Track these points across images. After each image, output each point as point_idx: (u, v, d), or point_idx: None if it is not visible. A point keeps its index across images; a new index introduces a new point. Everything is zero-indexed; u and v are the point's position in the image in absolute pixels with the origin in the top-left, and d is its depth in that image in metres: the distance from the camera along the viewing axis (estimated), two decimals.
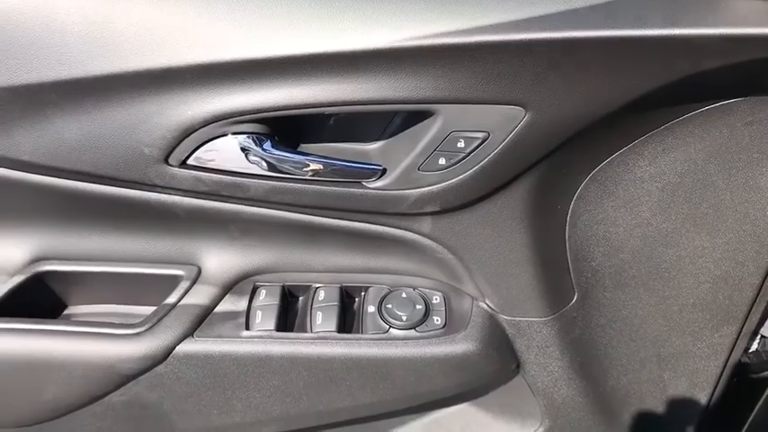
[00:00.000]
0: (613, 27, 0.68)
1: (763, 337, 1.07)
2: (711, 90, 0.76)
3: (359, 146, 0.83)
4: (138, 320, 0.88)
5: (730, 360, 1.04)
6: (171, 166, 0.77)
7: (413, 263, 0.94)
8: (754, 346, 1.08)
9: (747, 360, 1.08)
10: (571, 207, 0.87)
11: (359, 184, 0.80)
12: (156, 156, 0.76)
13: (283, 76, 0.71)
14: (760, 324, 1.03)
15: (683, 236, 0.89)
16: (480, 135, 0.75)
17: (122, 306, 0.96)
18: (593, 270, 0.93)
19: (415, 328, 0.91)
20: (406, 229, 0.87)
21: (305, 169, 0.78)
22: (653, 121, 0.80)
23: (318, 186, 0.80)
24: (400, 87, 0.71)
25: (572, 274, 0.94)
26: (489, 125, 0.74)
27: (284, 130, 0.79)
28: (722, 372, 1.05)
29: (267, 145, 0.77)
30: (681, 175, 0.84)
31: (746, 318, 0.98)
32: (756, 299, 0.95)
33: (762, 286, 0.94)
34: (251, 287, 0.93)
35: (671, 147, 0.82)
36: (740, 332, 1.00)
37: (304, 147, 0.82)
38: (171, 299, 0.89)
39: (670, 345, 1.01)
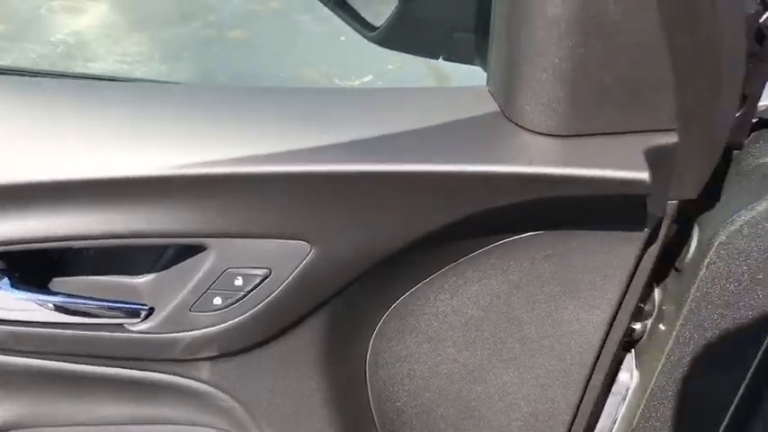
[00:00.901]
0: (400, 161, 0.63)
1: None
2: (508, 224, 0.73)
3: (124, 279, 0.72)
4: None
5: None
6: None
7: (192, 412, 0.82)
8: None
9: None
10: (371, 344, 0.80)
11: (121, 327, 0.69)
12: None
13: (21, 205, 0.60)
14: None
15: (491, 372, 0.84)
16: (261, 272, 0.67)
17: None
18: (399, 411, 0.86)
19: None
20: (180, 376, 0.75)
21: (52, 312, 0.66)
22: (450, 253, 0.75)
23: (70, 331, 0.68)
24: (162, 220, 0.62)
25: (375, 417, 0.86)
26: (270, 261, 0.67)
27: (27, 264, 0.67)
28: None
29: (4, 283, 0.64)
30: (484, 309, 0.80)
31: None
32: None
33: (573, 423, 0.90)
34: None
35: (471, 279, 0.77)
36: None
37: (55, 282, 0.70)
38: None
39: None
